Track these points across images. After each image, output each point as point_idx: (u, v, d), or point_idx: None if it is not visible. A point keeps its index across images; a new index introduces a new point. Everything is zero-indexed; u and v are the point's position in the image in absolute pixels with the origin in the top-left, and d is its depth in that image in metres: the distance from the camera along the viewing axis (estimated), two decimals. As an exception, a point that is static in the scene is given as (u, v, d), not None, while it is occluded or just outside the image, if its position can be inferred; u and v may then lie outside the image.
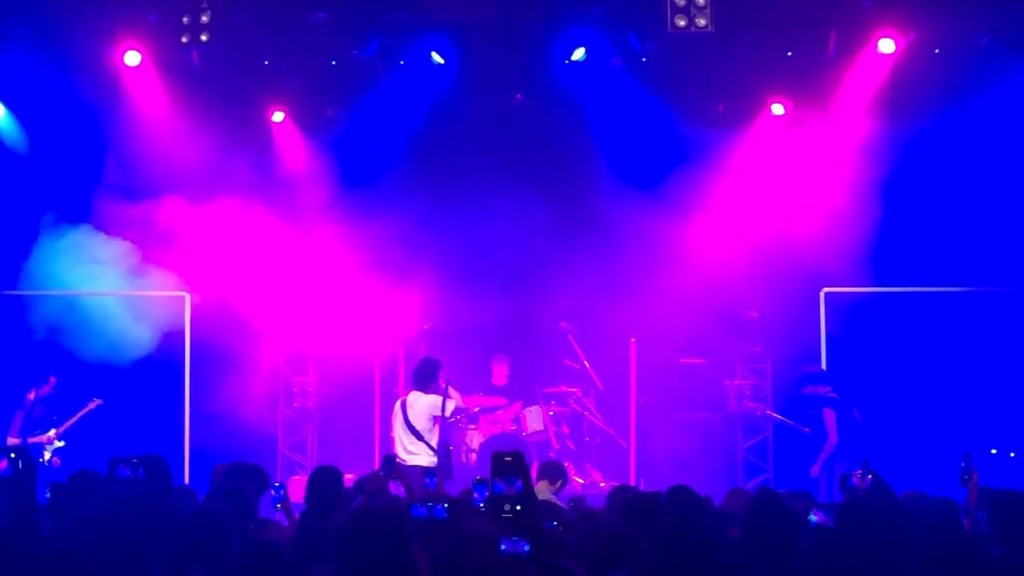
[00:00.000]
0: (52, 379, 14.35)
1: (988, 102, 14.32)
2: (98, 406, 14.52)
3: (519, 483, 5.40)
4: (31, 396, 14.17)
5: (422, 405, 12.56)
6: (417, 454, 12.48)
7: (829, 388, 13.69)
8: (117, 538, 4.69)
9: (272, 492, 8.55)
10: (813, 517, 5.09)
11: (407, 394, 12.89)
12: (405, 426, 12.59)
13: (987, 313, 14.92)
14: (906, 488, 7.86)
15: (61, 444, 14.36)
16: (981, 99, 14.31)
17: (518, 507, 5.35)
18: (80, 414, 14.49)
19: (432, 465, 12.12)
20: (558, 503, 9.47)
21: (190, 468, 14.35)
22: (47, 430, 14.29)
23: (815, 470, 13.40)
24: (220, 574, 5.37)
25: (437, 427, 12.52)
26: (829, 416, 13.47)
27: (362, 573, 4.58)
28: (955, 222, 14.91)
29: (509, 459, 5.48)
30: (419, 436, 12.51)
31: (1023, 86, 14.21)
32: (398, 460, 11.92)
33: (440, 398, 12.47)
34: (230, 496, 6.35)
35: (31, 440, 14.16)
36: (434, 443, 12.46)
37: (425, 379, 12.71)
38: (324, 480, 7.91)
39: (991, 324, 14.93)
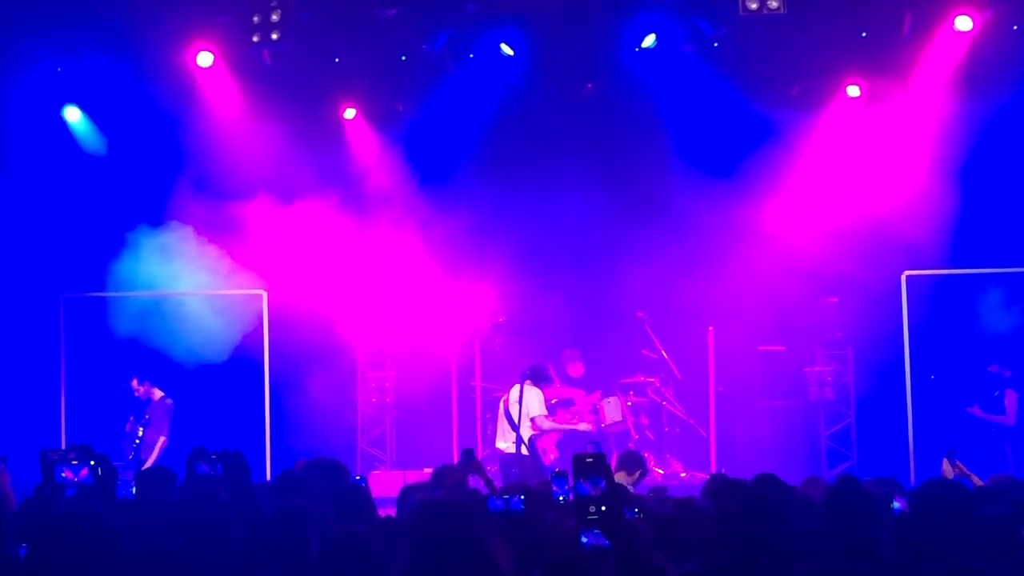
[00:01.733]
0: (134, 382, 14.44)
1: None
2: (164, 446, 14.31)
3: (603, 483, 5.42)
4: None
5: (525, 396, 12.98)
6: (505, 441, 13.02)
7: (1012, 372, 14.08)
8: (195, 534, 4.71)
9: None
10: (896, 504, 5.00)
11: (511, 387, 13.29)
12: (505, 414, 13.10)
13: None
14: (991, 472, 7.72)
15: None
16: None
17: (603, 508, 5.38)
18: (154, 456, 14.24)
19: (512, 453, 12.63)
20: (636, 494, 9.39)
21: (271, 465, 14.43)
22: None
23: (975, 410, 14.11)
24: (301, 570, 5.37)
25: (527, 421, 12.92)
26: (1011, 396, 13.92)
27: (429, 567, 4.56)
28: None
29: (591, 460, 5.50)
30: (515, 426, 12.81)
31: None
32: (497, 448, 13.06)
33: (540, 394, 13.05)
34: (305, 491, 6.35)
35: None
36: (524, 435, 12.84)
37: (538, 376, 13.22)
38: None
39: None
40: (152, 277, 14.96)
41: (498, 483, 10.07)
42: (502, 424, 13.22)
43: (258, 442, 14.47)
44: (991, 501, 6.43)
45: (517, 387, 13.11)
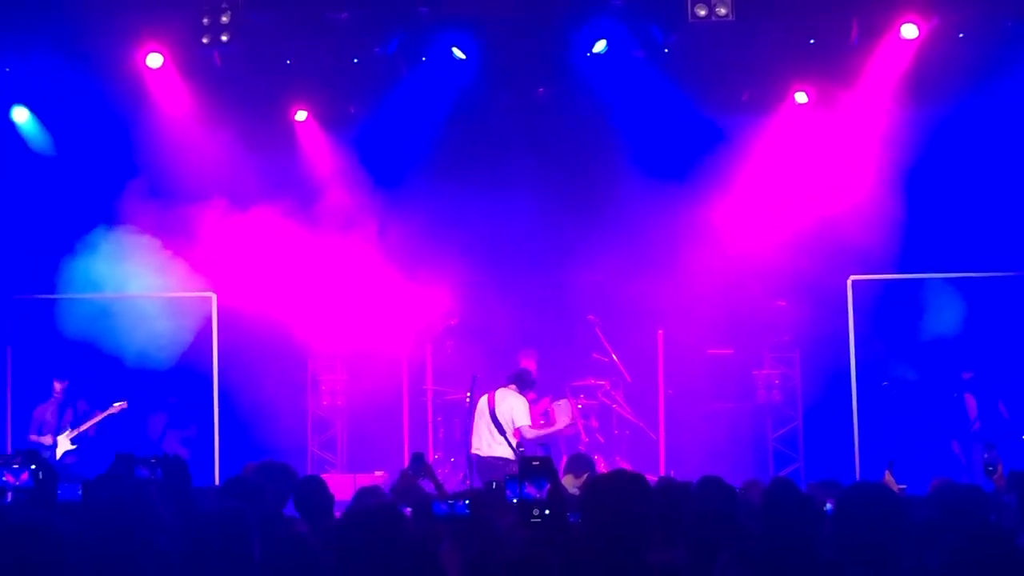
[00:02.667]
0: (58, 384, 14.49)
1: (1013, 85, 14.21)
2: (122, 409, 14.59)
3: (547, 486, 5.46)
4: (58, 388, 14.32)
5: (512, 402, 12.92)
6: (501, 444, 12.94)
7: (972, 374, 14.33)
8: (132, 539, 4.70)
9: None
10: (829, 506, 5.09)
11: (496, 390, 13.21)
12: (491, 420, 12.92)
13: (1015, 298, 14.81)
14: (931, 477, 7.84)
15: (73, 447, 14.44)
16: (1006, 82, 14.20)
17: (547, 511, 5.42)
18: (100, 416, 14.56)
19: (513, 459, 12.53)
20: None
21: (220, 468, 14.39)
22: (62, 431, 14.41)
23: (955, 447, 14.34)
24: (242, 573, 5.37)
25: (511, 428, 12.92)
26: (970, 400, 14.24)
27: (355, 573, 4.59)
28: (981, 207, 14.79)
29: (537, 463, 5.55)
30: (502, 431, 12.83)
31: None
32: (475, 452, 12.94)
33: (525, 402, 13.02)
34: (250, 494, 6.35)
35: (32, 438, 14.29)
36: (512, 441, 12.85)
37: (524, 381, 13.23)
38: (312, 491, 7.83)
39: (1018, 309, 14.82)
40: (101, 279, 14.88)
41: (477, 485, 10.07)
42: (484, 427, 13.04)
43: (207, 445, 14.43)
44: (925, 505, 6.56)
45: (502, 391, 13.09)
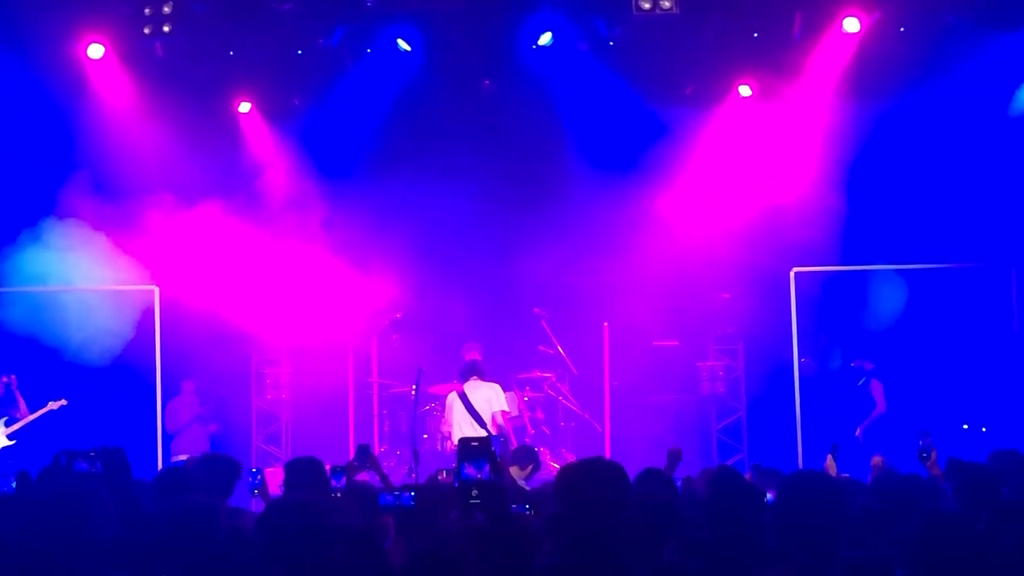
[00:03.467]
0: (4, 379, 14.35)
1: (954, 80, 14.36)
2: (61, 407, 14.42)
3: (487, 467, 5.43)
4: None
5: (486, 393, 13.12)
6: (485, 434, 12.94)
7: (874, 365, 14.66)
8: (73, 534, 4.65)
9: (249, 479, 8.52)
10: (769, 495, 5.14)
11: (463, 384, 13.27)
12: (468, 413, 12.99)
13: (955, 290, 15.01)
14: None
15: (11, 443, 14.29)
16: (947, 77, 14.34)
17: (486, 493, 5.37)
18: (36, 414, 14.38)
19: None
20: (525, 488, 9.47)
21: (163, 463, 14.28)
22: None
23: (859, 432, 14.47)
24: (188, 568, 5.33)
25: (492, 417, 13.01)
26: (877, 387, 14.54)
27: (278, 567, 4.57)
28: (921, 200, 14.96)
29: (476, 444, 5.52)
30: (482, 421, 12.89)
31: (988, 64, 14.23)
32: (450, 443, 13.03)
33: (498, 387, 13.24)
34: (186, 486, 6.30)
35: None
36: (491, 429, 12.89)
37: (482, 372, 13.36)
38: (305, 470, 7.86)
39: (959, 301, 15.02)
40: (42, 272, 14.70)
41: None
42: (464, 421, 13.03)
43: (150, 440, 14.32)
44: (866, 492, 6.63)
45: (472, 383, 13.17)
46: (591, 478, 4.82)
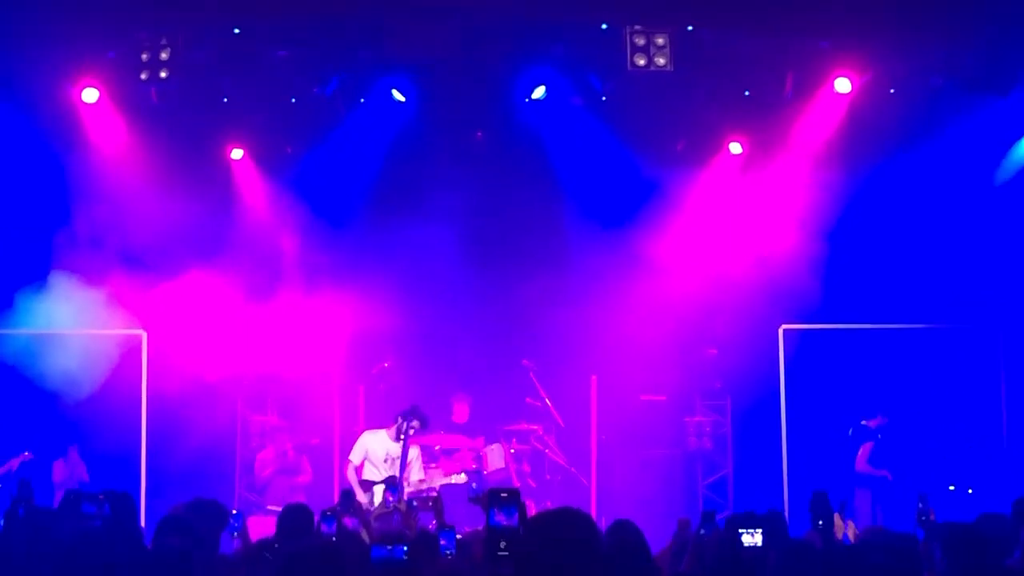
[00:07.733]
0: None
1: (942, 142, 14.49)
2: (30, 459, 14.42)
3: (516, 515, 5.32)
4: None
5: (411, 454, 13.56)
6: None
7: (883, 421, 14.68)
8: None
9: (232, 522, 8.46)
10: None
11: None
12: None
13: (941, 350, 15.09)
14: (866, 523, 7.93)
15: None
16: (935, 139, 14.47)
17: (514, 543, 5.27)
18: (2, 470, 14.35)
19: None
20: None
21: (146, 509, 14.16)
22: None
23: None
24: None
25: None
26: (865, 447, 14.52)
27: None
28: (909, 261, 15.06)
29: (506, 495, 5.42)
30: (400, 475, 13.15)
31: (975, 127, 14.36)
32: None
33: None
34: (186, 532, 6.27)
35: None
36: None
37: (423, 417, 13.55)
38: (295, 518, 7.84)
39: (945, 360, 15.09)
40: (30, 315, 14.66)
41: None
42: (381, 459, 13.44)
43: (133, 484, 14.21)
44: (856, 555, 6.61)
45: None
46: (559, 525, 4.77)
